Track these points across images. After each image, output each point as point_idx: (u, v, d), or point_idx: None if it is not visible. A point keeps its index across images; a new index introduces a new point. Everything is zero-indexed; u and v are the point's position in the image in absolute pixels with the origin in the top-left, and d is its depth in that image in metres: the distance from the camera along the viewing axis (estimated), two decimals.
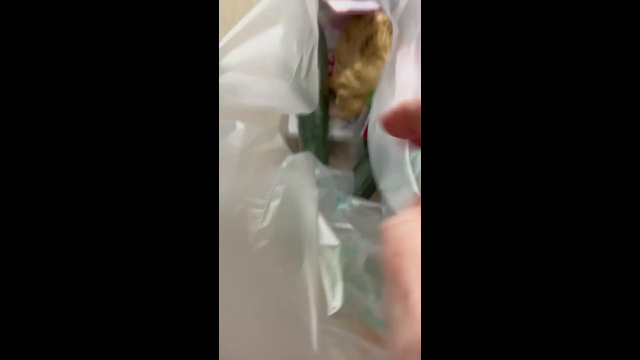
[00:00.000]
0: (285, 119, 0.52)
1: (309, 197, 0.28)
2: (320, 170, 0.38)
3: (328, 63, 0.49)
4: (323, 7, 0.48)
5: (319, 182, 0.36)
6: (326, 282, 0.26)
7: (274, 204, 0.28)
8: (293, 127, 0.51)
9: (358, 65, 0.47)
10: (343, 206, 0.35)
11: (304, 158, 0.36)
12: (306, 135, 0.49)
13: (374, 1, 0.39)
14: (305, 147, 0.49)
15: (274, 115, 0.54)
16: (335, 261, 0.27)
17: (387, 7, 0.30)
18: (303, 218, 0.27)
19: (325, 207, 0.31)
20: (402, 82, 0.31)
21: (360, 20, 0.46)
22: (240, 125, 0.33)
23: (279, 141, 0.49)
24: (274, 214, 0.27)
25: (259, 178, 0.31)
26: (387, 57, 0.44)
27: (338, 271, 0.27)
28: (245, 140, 0.34)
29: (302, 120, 0.49)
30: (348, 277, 0.28)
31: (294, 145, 0.51)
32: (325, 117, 0.49)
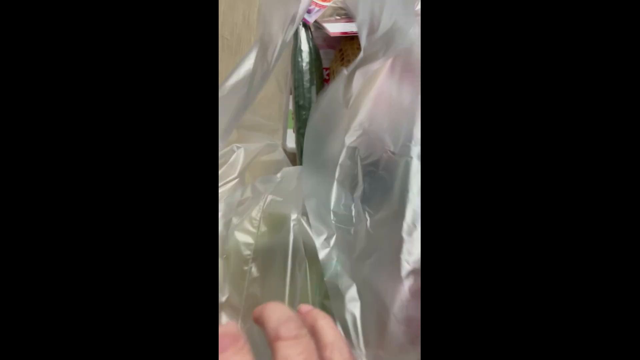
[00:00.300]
0: (283, 134, 0.54)
1: (295, 219, 0.30)
2: None
3: (323, 81, 0.52)
4: (318, 28, 0.51)
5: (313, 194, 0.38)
6: (310, 284, 0.28)
7: (262, 230, 0.29)
8: (291, 142, 0.53)
9: None
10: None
11: (298, 171, 0.38)
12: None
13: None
14: (302, 161, 0.51)
15: (279, 131, 0.56)
16: (321, 278, 0.28)
17: (364, 32, 0.32)
18: (287, 240, 0.29)
19: (317, 217, 0.33)
20: (376, 94, 0.33)
21: (353, 40, 0.49)
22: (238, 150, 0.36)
23: (280, 153, 0.52)
24: (262, 244, 0.29)
25: (252, 196, 0.33)
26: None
27: (323, 287, 0.29)
28: (244, 160, 0.36)
29: (300, 135, 0.51)
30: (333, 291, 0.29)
31: (293, 159, 0.53)
32: None
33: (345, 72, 0.33)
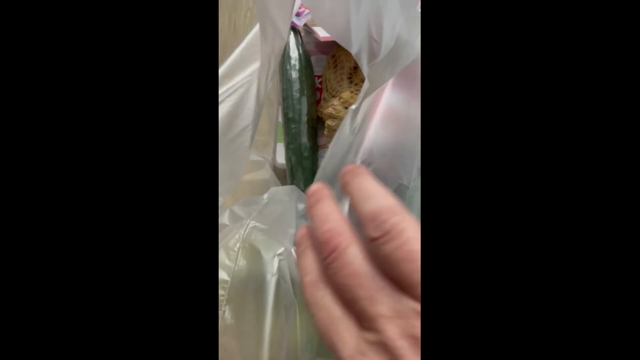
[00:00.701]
0: (273, 148, 0.49)
1: (281, 252, 0.25)
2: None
3: (315, 90, 0.47)
4: (309, 32, 0.46)
5: (305, 217, 0.33)
6: (300, 336, 0.23)
7: (241, 264, 0.24)
8: (281, 158, 0.48)
9: (346, 94, 0.44)
10: None
11: (287, 192, 0.34)
12: (294, 167, 0.46)
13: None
14: (293, 179, 0.46)
15: (269, 145, 0.51)
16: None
17: (364, 61, 0.27)
18: (271, 277, 0.23)
19: None
20: (383, 110, 0.28)
21: None
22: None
23: (268, 171, 0.47)
24: (240, 282, 0.23)
25: (229, 224, 0.28)
26: None
27: (316, 340, 0.23)
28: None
29: (290, 151, 0.46)
30: None
31: (283, 175, 0.49)
32: (314, 148, 0.47)
33: (351, 108, 0.28)
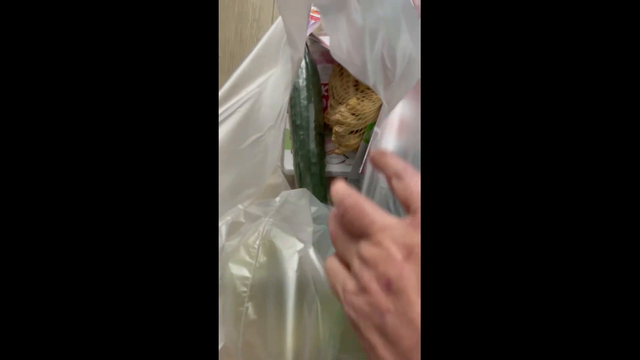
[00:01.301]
0: (281, 155, 0.50)
1: (302, 249, 0.25)
2: (318, 207, 0.36)
3: (322, 97, 0.48)
4: (315, 42, 0.47)
5: (317, 220, 0.34)
6: (323, 332, 0.23)
7: (261, 260, 0.25)
8: (288, 165, 0.49)
9: (353, 101, 0.45)
10: None
11: (299, 194, 0.34)
12: (302, 173, 0.47)
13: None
14: (301, 185, 0.47)
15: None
16: (337, 323, 0.23)
17: (380, 88, 0.28)
18: (292, 274, 0.24)
19: (322, 246, 0.28)
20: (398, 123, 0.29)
21: None
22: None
23: (280, 176, 0.47)
24: (261, 279, 0.24)
25: (246, 222, 0.28)
26: None
27: (339, 318, 0.23)
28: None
29: (298, 157, 0.47)
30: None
31: (291, 181, 0.49)
32: (322, 154, 0.47)
33: (376, 130, 0.30)
